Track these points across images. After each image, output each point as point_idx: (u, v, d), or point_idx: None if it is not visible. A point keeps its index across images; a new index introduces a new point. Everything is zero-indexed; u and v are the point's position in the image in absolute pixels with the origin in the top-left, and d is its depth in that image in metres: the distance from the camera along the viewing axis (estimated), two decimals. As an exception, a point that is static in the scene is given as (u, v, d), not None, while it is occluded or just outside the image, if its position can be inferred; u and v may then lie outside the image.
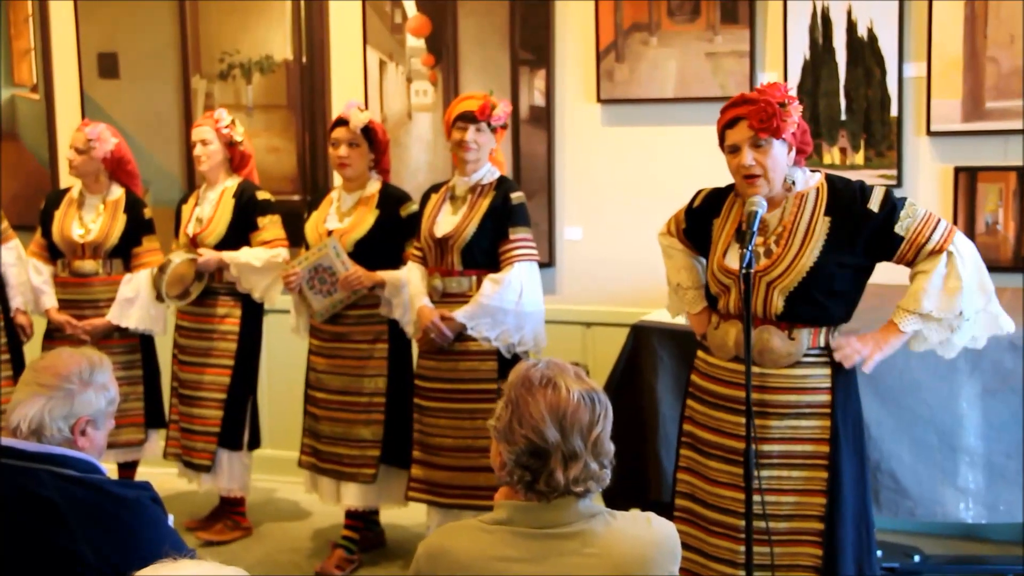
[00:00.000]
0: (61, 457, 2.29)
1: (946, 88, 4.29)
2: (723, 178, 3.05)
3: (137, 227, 4.63)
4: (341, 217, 4.25)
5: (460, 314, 3.89)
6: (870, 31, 4.36)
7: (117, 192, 4.66)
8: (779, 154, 2.86)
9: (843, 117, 4.43)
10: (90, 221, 4.61)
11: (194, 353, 4.57)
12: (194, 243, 4.51)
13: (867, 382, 3.12)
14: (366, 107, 4.35)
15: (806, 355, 2.90)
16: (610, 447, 2.04)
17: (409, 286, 4.08)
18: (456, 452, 3.96)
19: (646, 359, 3.73)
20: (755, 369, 2.86)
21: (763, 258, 2.89)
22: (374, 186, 4.26)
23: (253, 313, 4.58)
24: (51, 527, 2.21)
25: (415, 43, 4.99)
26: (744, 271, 2.67)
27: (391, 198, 4.24)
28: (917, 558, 4.01)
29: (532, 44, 4.81)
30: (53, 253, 4.66)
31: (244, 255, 4.45)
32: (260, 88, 5.25)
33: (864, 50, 4.37)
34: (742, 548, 2.85)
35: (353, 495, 4.25)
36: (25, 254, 4.67)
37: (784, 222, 2.91)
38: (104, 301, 4.58)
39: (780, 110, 2.80)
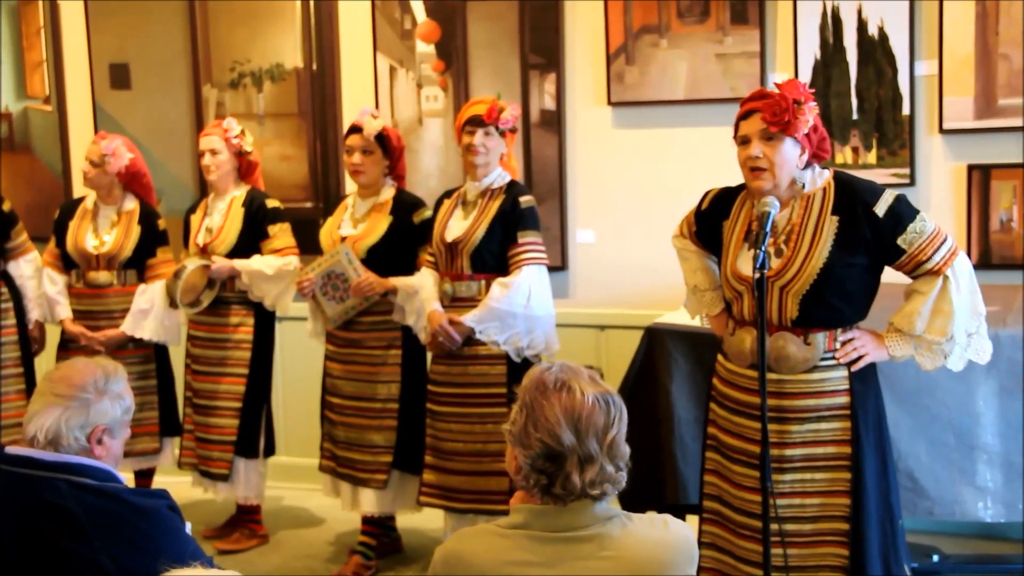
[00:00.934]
0: (78, 466, 2.30)
1: (958, 86, 4.28)
2: (735, 179, 3.04)
3: (151, 238, 4.64)
4: (355, 223, 4.25)
5: (469, 318, 3.89)
6: (881, 30, 4.35)
7: (131, 203, 4.66)
8: (789, 152, 2.85)
9: (855, 116, 4.41)
10: (104, 233, 4.62)
11: (208, 363, 4.58)
12: (204, 253, 4.52)
13: (884, 383, 3.11)
14: (378, 114, 4.35)
15: (823, 358, 2.89)
16: (626, 449, 2.04)
17: (421, 291, 4.08)
18: (467, 456, 3.96)
19: (660, 361, 3.72)
20: (772, 375, 2.86)
21: (774, 258, 2.88)
22: (388, 192, 4.27)
23: (266, 321, 4.59)
24: (71, 538, 2.21)
25: (425, 49, 4.99)
26: (758, 272, 2.67)
27: (404, 204, 4.24)
28: (936, 558, 4.00)
29: (542, 47, 4.81)
30: (67, 263, 4.67)
31: (256, 263, 4.45)
32: (271, 96, 5.27)
33: (875, 49, 4.36)
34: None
35: (370, 501, 4.26)
36: (41, 265, 4.69)
37: (792, 222, 2.90)
38: (119, 312, 4.59)
39: (794, 107, 2.80)
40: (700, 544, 2.93)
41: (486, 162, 3.95)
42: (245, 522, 4.70)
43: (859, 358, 2.91)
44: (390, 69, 5.05)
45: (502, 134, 3.95)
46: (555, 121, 4.82)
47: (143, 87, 5.48)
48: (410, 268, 4.19)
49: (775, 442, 2.87)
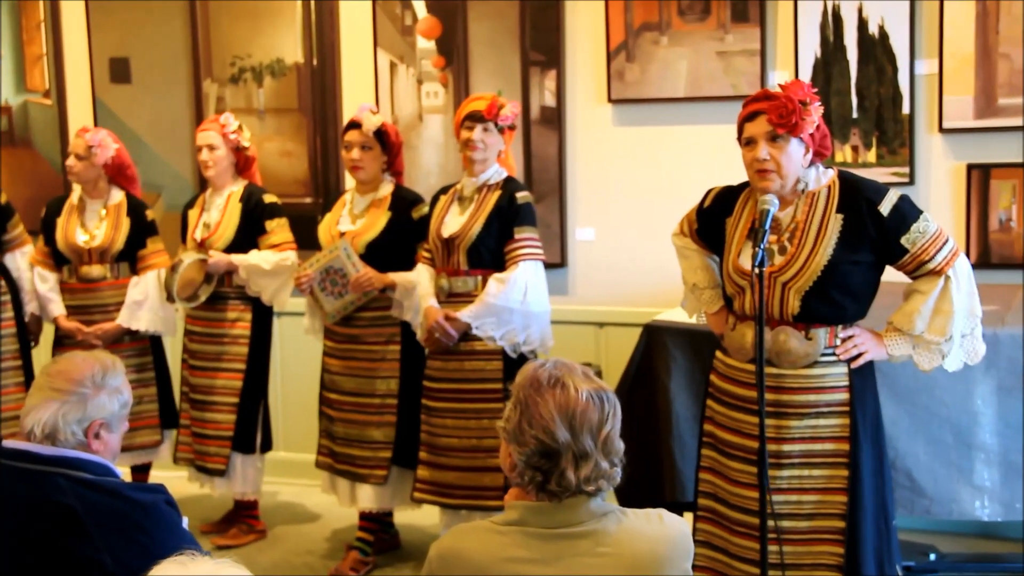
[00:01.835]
0: (75, 460, 2.30)
1: (958, 85, 4.28)
2: (736, 177, 3.04)
3: (141, 230, 4.64)
4: (354, 219, 4.25)
5: (465, 314, 3.89)
6: (881, 28, 4.35)
7: (117, 196, 4.65)
8: (795, 152, 2.85)
9: (855, 115, 4.41)
10: (94, 227, 4.61)
11: (205, 358, 4.58)
12: (202, 248, 4.51)
13: (882, 381, 3.12)
14: (377, 110, 4.35)
15: (823, 354, 2.90)
16: (620, 445, 2.04)
17: (418, 287, 4.08)
18: (462, 452, 3.96)
19: (659, 359, 3.72)
20: (772, 370, 2.87)
21: (777, 256, 2.88)
22: (387, 188, 4.27)
23: (263, 316, 4.58)
24: (72, 536, 2.21)
25: (425, 45, 4.99)
26: (757, 270, 2.67)
27: (403, 200, 4.25)
28: (933, 556, 4.00)
29: (542, 45, 4.81)
30: (58, 260, 4.66)
31: (253, 258, 4.45)
32: (271, 92, 5.27)
33: (875, 48, 4.36)
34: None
35: (367, 497, 4.26)
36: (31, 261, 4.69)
37: (796, 220, 2.90)
38: (113, 305, 4.59)
39: (800, 108, 2.80)
40: (694, 542, 2.93)
41: (484, 158, 3.95)
42: (242, 517, 4.71)
43: (859, 355, 2.91)
44: (390, 65, 5.05)
45: (501, 131, 3.95)
46: (555, 118, 4.82)
47: (143, 82, 5.48)
48: (409, 264, 4.19)
49: (773, 437, 2.87)
